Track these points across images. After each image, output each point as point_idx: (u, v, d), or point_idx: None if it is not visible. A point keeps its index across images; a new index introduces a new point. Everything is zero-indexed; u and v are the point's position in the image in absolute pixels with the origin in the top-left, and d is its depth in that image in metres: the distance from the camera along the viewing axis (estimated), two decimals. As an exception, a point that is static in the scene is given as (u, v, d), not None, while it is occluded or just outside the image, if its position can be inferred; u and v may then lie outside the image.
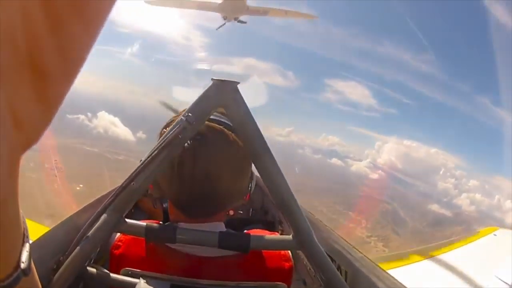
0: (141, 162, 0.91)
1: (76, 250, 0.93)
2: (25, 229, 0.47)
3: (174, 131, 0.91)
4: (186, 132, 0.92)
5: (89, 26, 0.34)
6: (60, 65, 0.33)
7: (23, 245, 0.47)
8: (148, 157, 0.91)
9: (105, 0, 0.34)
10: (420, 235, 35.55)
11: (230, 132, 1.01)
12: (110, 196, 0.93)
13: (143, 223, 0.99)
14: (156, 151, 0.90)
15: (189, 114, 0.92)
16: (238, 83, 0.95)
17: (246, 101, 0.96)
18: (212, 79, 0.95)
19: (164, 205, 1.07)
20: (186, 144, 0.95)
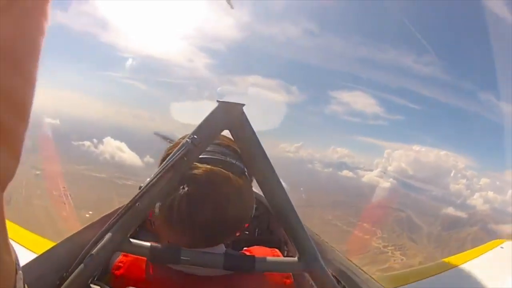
0: (146, 183, 0.93)
1: (79, 268, 0.94)
2: (16, 257, 0.47)
3: (180, 153, 0.92)
4: (191, 154, 0.93)
5: (28, 77, 0.34)
6: (11, 115, 0.33)
7: (16, 273, 0.47)
8: (153, 178, 0.92)
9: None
10: (436, 240, 34.71)
11: (230, 174, 1.00)
12: (115, 216, 0.94)
13: (147, 243, 0.99)
14: (161, 173, 0.92)
15: (195, 136, 0.93)
16: (244, 105, 0.95)
17: (252, 124, 0.96)
18: (217, 101, 0.95)
19: None
20: (186, 189, 0.95)
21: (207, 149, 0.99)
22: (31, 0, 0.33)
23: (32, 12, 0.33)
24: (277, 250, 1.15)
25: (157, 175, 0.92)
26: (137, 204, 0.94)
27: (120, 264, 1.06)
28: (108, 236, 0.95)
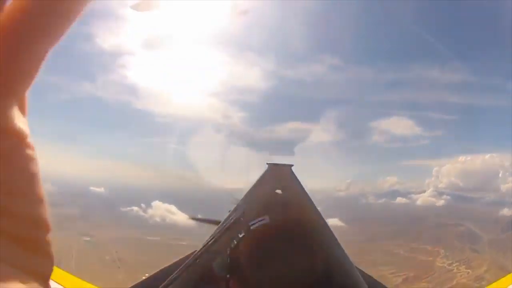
0: (204, 243, 1.01)
1: None
2: None
3: (235, 215, 0.98)
4: (246, 216, 0.98)
5: None
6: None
7: None
8: (212, 239, 0.98)
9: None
10: (498, 244, 32.44)
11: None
12: (176, 272, 1.00)
13: None
14: (218, 234, 0.98)
15: (247, 197, 0.99)
16: (292, 165, 0.99)
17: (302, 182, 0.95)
18: (267, 163, 1.01)
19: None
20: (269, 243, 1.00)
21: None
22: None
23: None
24: None
25: (215, 236, 0.99)
26: (197, 261, 1.01)
27: None
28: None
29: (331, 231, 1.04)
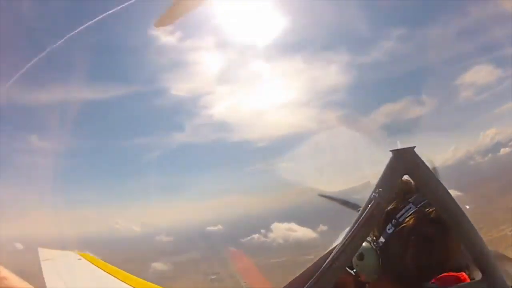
0: (341, 242, 0.99)
1: None
2: None
3: (370, 208, 0.97)
4: (379, 207, 0.98)
5: None
6: None
7: None
8: (348, 237, 0.98)
9: None
10: None
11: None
12: (314, 278, 1.00)
13: None
14: (355, 230, 0.98)
15: (380, 189, 0.98)
16: (414, 147, 0.98)
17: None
18: (390, 150, 0.99)
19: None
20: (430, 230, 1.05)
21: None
22: None
23: None
24: (463, 273, 1.14)
25: (351, 232, 0.97)
26: (335, 263, 0.98)
27: None
28: None
29: (461, 210, 1.06)
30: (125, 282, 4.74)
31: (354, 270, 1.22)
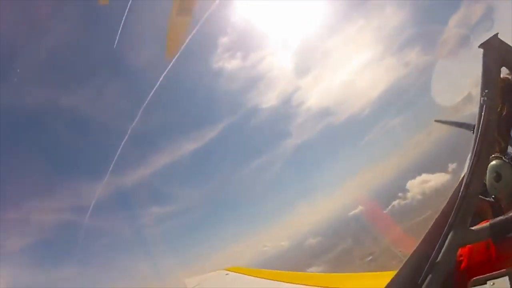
0: (469, 166, 0.91)
1: (428, 278, 0.97)
2: None
3: (483, 116, 0.89)
4: (493, 110, 0.90)
5: None
6: None
7: None
8: (473, 156, 0.90)
9: None
10: None
11: None
12: (453, 214, 0.94)
13: (486, 223, 0.96)
14: (478, 147, 0.89)
15: (485, 91, 0.91)
16: (497, 33, 0.92)
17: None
18: (478, 46, 0.93)
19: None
20: None
21: None
22: None
23: None
24: None
25: (474, 150, 0.89)
26: (468, 190, 0.92)
27: (461, 258, 1.03)
28: (450, 235, 0.96)
29: None
30: (283, 281, 4.11)
31: (492, 196, 1.13)
